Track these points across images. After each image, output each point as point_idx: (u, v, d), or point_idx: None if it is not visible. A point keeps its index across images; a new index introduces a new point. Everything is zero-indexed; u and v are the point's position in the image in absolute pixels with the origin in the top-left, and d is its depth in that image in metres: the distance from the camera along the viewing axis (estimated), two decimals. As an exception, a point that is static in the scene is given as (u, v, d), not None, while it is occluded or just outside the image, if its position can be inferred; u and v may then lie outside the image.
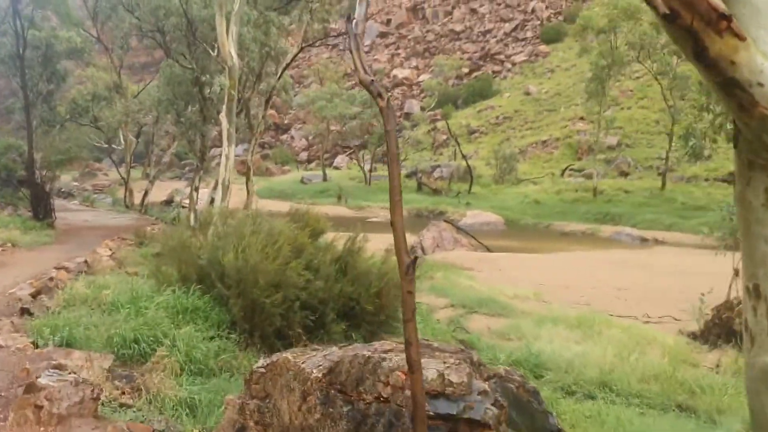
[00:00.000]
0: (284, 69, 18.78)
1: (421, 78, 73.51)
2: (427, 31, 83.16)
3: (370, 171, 51.64)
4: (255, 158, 20.80)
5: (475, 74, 72.28)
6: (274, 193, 45.89)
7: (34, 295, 8.67)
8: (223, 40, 13.00)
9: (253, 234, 7.86)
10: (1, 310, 7.92)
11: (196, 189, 22.14)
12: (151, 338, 6.78)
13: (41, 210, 18.79)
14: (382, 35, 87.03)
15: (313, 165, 66.70)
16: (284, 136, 75.21)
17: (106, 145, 37.51)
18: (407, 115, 63.92)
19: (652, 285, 18.52)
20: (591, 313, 13.01)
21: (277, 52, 17.66)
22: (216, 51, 16.36)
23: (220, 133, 14.81)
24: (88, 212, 26.31)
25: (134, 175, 36.55)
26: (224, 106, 13.07)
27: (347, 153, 66.24)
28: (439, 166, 49.72)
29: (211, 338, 7.24)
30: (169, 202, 36.71)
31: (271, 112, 37.80)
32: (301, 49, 18.98)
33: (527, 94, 63.95)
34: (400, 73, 76.12)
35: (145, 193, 31.21)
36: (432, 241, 24.83)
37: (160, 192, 37.61)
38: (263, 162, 58.51)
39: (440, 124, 63.23)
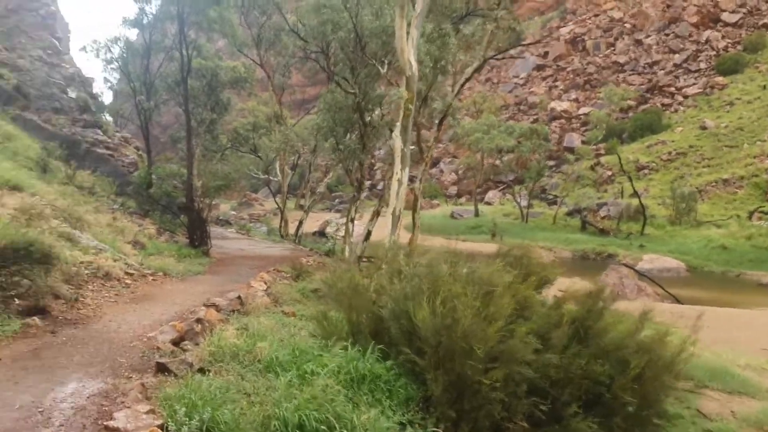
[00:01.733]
0: (463, 84, 16.83)
1: (581, 111, 69.42)
2: (588, 63, 78.90)
3: (527, 207, 48.59)
4: (405, 191, 18.93)
5: (642, 107, 67.08)
6: (423, 228, 43.94)
7: (177, 342, 7.06)
8: (403, 45, 11.22)
9: (456, 281, 5.71)
10: (134, 363, 6.30)
11: (352, 220, 20.70)
12: (322, 424, 4.80)
13: (198, 237, 18.20)
14: (539, 68, 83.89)
15: (462, 200, 64.61)
16: (433, 170, 73.83)
17: (264, 176, 37.81)
18: (567, 149, 60.10)
19: None
20: None
21: (454, 66, 15.75)
22: (385, 67, 14.74)
23: (371, 165, 12.94)
24: (243, 240, 25.82)
25: (288, 206, 36.39)
26: (398, 124, 11.23)
27: (500, 188, 63.49)
28: (605, 203, 45.59)
29: (400, 426, 5.17)
30: (321, 233, 36.12)
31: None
32: (485, 60, 16.95)
33: (703, 128, 57.89)
34: (559, 105, 72.41)
35: (300, 223, 30.67)
36: (612, 289, 21.58)
37: (311, 223, 37.16)
38: (410, 195, 57.20)
39: (603, 159, 58.84)
